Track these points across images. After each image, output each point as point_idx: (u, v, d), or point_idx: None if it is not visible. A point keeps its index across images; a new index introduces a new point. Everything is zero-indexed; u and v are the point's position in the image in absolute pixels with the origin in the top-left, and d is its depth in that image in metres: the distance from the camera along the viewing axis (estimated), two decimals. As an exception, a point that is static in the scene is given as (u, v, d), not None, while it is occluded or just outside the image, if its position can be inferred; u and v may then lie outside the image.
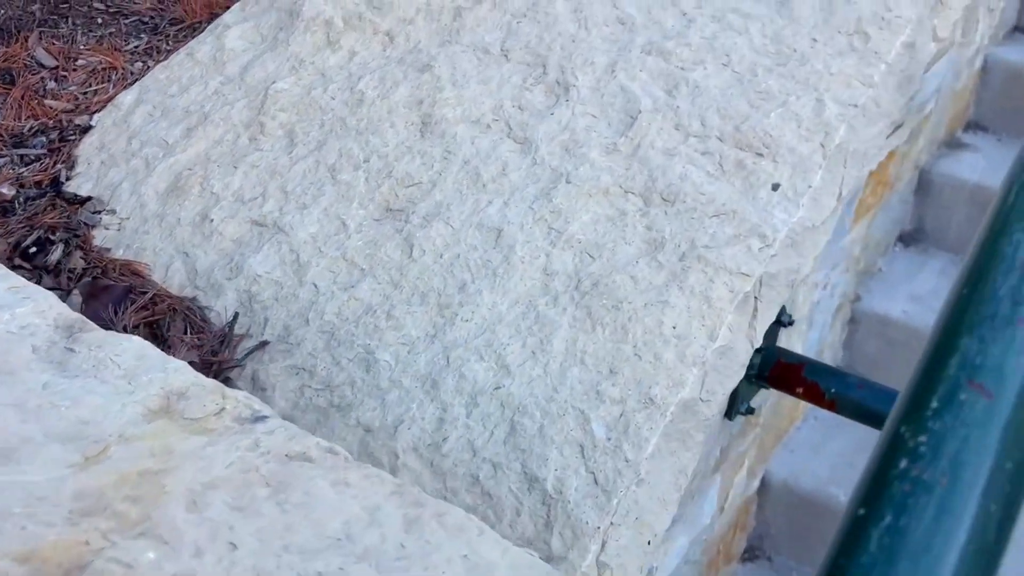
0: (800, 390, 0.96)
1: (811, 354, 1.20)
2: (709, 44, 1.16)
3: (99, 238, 1.10)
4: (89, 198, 1.15)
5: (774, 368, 0.96)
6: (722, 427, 0.97)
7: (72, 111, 1.28)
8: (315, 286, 1.00)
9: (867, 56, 1.09)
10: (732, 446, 1.05)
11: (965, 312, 0.34)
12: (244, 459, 0.59)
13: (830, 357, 1.34)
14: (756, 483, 1.21)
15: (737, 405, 0.95)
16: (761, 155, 1.02)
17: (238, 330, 0.94)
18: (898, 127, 1.17)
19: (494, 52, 1.22)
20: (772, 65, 1.12)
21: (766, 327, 0.93)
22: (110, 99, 1.29)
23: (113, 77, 1.33)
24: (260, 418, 0.63)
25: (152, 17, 1.45)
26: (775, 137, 1.02)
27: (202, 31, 1.42)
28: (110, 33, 1.41)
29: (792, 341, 1.11)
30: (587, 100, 1.13)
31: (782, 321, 0.98)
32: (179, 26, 1.43)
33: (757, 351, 0.92)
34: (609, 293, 0.92)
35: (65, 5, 1.47)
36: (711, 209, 0.97)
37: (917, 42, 1.13)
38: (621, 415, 0.83)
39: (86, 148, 1.25)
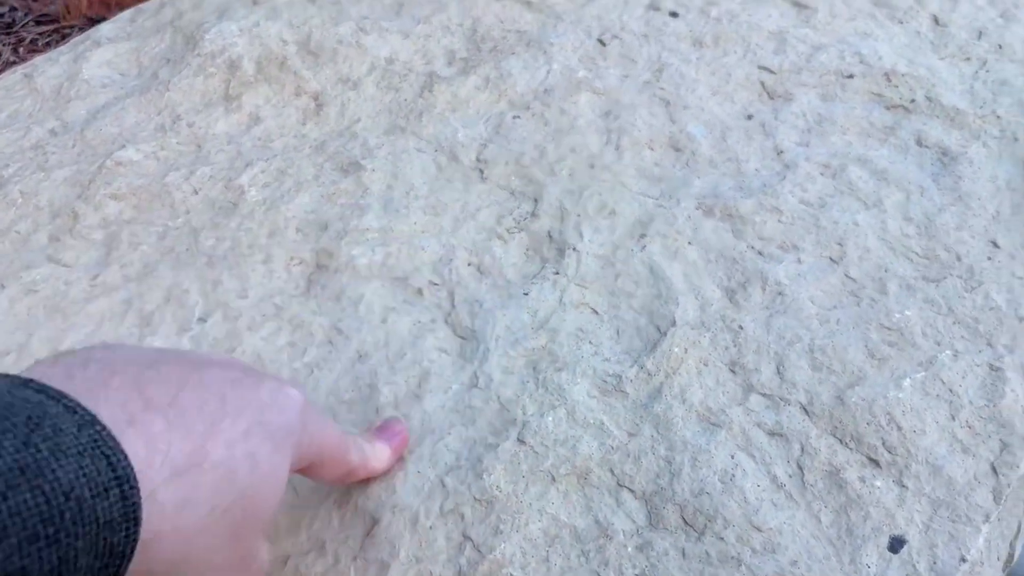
0: None
1: None
2: (812, 217, 0.72)
3: None
4: None
5: None
6: None
7: None
8: None
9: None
10: None
11: None
12: None
13: None
14: None
15: None
16: (876, 463, 0.57)
17: None
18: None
19: (465, 161, 0.80)
20: (915, 279, 0.67)
21: None
22: None
23: (-88, 91, 0.93)
24: None
25: (14, 9, 1.06)
26: (906, 432, 0.58)
27: (72, 40, 1.01)
28: (-61, 23, 1.02)
29: None
30: (589, 278, 0.70)
31: None
32: (46, 27, 1.04)
33: None
34: None
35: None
36: (768, 567, 0.53)
37: None
38: None
39: None
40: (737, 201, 0.75)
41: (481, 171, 0.80)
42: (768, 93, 0.85)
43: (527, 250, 0.74)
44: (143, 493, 0.32)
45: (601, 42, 0.90)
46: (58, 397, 0.32)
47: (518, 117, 0.85)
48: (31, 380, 0.32)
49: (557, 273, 0.72)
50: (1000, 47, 0.85)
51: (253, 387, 0.40)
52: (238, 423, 0.37)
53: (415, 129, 0.85)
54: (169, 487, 0.33)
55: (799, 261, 0.71)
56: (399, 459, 0.55)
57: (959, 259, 0.70)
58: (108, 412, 0.33)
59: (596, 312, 0.69)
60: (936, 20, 0.89)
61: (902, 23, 0.89)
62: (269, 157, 0.83)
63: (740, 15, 0.91)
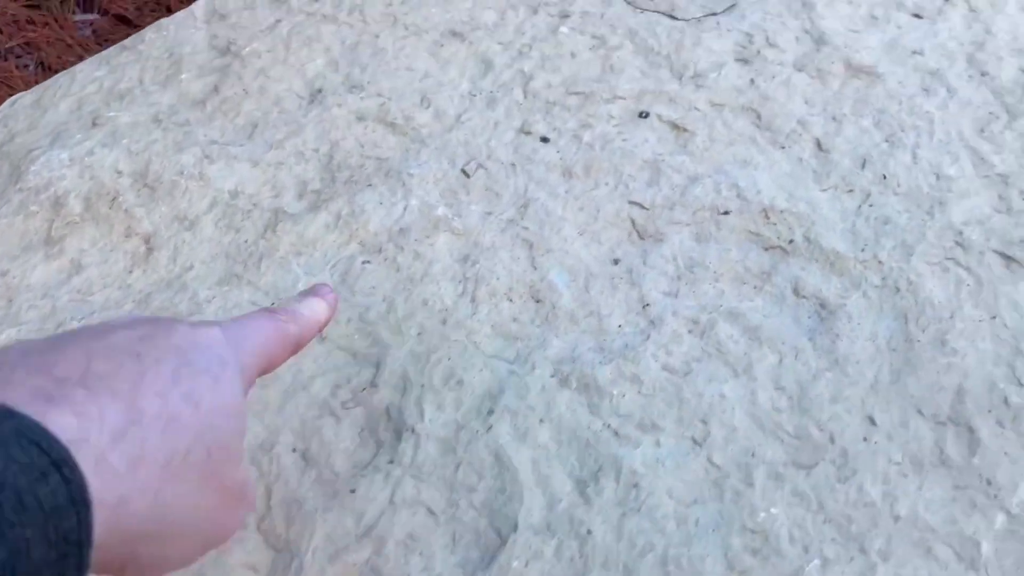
0: None
1: None
2: (675, 388, 0.65)
3: None
4: None
5: None
6: None
7: None
8: None
9: (985, 509, 0.59)
10: None
11: None
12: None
13: None
14: None
15: None
16: None
17: None
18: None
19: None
20: (784, 464, 0.61)
21: None
22: None
23: None
24: None
25: None
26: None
27: None
28: None
29: None
30: (427, 468, 0.63)
31: None
32: None
33: None
34: None
35: None
36: None
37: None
38: None
39: None
40: (595, 368, 0.68)
41: (324, 339, 0.72)
42: (638, 232, 0.78)
43: (361, 431, 0.66)
44: (90, 462, 0.31)
45: (465, 173, 0.83)
46: None
47: (368, 262, 0.77)
48: None
49: (391, 462, 0.63)
50: (884, 177, 0.80)
51: (165, 336, 0.39)
52: (162, 372, 0.37)
53: (252, 278, 0.76)
54: (115, 450, 0.33)
55: (658, 444, 0.63)
56: (335, 311, 0.55)
57: (832, 440, 0.63)
58: (22, 400, 0.31)
59: (432, 512, 0.61)
60: (819, 145, 0.83)
61: (784, 148, 0.83)
62: (86, 314, 0.74)
63: (614, 140, 0.85)
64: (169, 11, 1.36)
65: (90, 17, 1.26)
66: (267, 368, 0.47)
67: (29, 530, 0.28)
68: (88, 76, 0.99)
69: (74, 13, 1.26)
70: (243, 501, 0.44)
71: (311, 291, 0.55)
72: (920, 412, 0.64)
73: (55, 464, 0.30)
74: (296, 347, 0.50)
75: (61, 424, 0.31)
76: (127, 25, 1.33)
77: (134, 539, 0.35)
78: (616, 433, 0.64)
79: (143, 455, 0.34)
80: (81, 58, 1.00)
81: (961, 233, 0.76)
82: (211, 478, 0.38)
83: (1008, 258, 0.74)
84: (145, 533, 0.35)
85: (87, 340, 0.37)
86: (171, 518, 0.36)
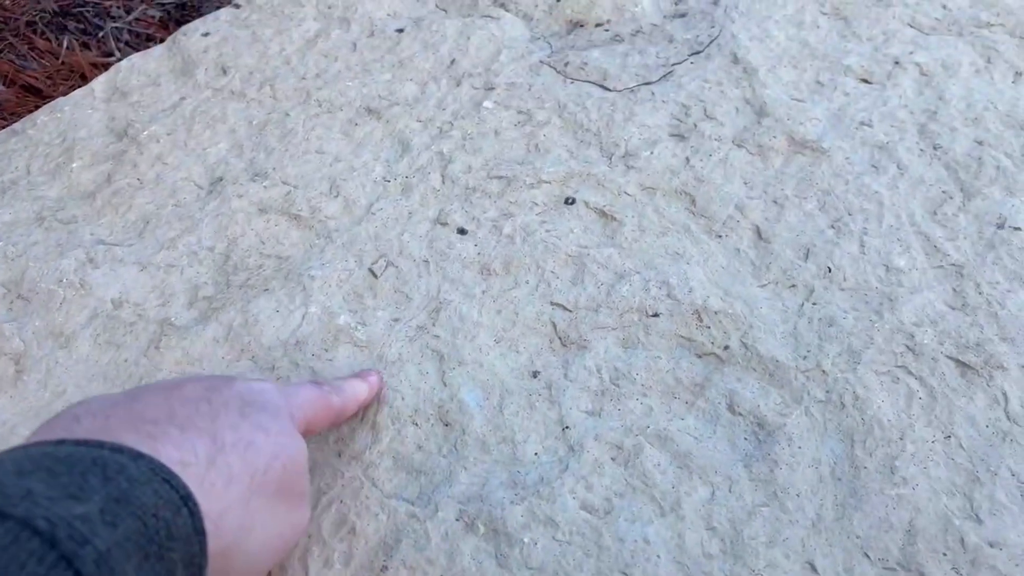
0: None
1: None
2: (594, 532, 0.61)
3: None
4: None
5: None
6: None
7: None
8: None
9: None
10: None
11: None
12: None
13: None
14: None
15: None
16: None
17: None
18: None
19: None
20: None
21: None
22: None
23: None
24: None
25: None
26: None
27: None
28: None
29: None
30: None
31: None
32: None
33: None
34: None
35: None
36: None
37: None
38: None
39: None
40: (506, 508, 0.61)
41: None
42: (560, 339, 0.71)
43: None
44: (195, 483, 0.39)
45: (373, 273, 0.76)
46: (97, 444, 0.36)
47: (259, 383, 0.69)
48: (62, 440, 0.37)
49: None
50: (829, 270, 0.74)
51: (227, 387, 0.47)
52: (230, 411, 0.44)
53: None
54: (211, 472, 0.40)
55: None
56: (376, 394, 0.65)
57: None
58: (133, 441, 0.38)
59: None
60: (759, 233, 0.77)
61: (720, 237, 0.77)
62: (-62, 454, 0.66)
63: (537, 231, 0.78)
64: (84, 79, 1.30)
65: (-6, 90, 1.19)
66: (309, 428, 0.54)
67: (176, 554, 0.35)
68: (-29, 167, 0.92)
69: (-24, 86, 1.19)
70: (308, 504, 0.52)
71: (356, 374, 0.64)
72: (867, 555, 0.58)
73: (183, 499, 0.37)
74: (337, 418, 0.58)
75: (168, 456, 0.39)
76: (37, 96, 1.26)
77: (229, 547, 0.41)
78: (525, 591, 0.57)
79: (232, 475, 0.41)
80: (-19, 137, 0.93)
81: (912, 336, 0.69)
82: (286, 487, 0.46)
83: (964, 365, 0.67)
84: (237, 542, 0.42)
85: (162, 392, 0.45)
86: (257, 525, 0.43)
